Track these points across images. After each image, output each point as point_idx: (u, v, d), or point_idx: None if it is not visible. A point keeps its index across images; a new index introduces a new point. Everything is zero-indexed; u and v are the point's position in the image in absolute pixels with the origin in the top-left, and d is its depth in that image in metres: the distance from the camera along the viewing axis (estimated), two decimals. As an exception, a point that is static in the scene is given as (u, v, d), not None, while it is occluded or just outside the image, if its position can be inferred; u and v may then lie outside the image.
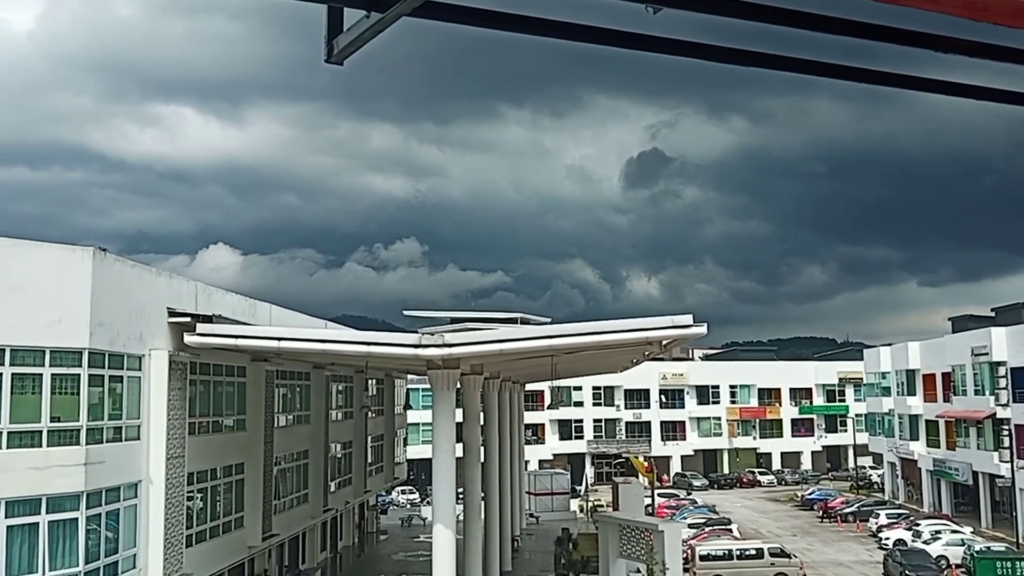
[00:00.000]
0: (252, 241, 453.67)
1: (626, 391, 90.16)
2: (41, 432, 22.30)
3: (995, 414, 55.97)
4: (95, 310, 23.04)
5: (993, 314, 66.14)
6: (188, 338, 26.14)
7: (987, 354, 56.89)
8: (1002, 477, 54.87)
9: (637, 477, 61.13)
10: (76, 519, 22.50)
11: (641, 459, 66.06)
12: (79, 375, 22.83)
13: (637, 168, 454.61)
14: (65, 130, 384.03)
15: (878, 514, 58.77)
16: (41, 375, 22.38)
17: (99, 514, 23.28)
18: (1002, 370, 55.94)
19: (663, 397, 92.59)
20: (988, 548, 46.14)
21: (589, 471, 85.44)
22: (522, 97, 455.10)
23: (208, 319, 26.93)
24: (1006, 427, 54.68)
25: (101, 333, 23.31)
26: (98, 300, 23.19)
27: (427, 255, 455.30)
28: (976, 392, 58.66)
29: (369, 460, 50.95)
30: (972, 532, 51.84)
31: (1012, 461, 53.03)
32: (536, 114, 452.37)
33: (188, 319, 26.45)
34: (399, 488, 70.83)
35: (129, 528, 24.62)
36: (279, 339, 26.97)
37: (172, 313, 26.56)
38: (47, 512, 22.08)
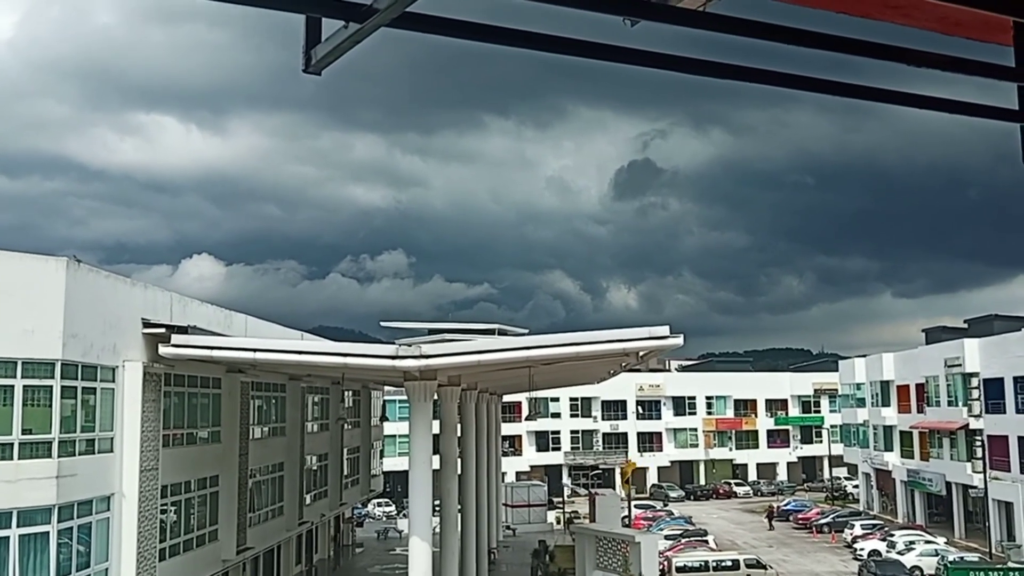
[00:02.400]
0: (234, 252, 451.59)
1: (603, 402, 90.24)
2: (12, 444, 22.03)
3: (968, 425, 56.47)
4: (68, 321, 22.82)
5: (966, 326, 66.77)
6: (163, 349, 25.93)
7: (960, 365, 57.42)
8: (975, 488, 55.34)
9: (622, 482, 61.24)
10: (47, 533, 22.22)
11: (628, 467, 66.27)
12: (52, 387, 22.59)
13: (624, 179, 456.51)
14: (44, 139, 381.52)
15: (853, 525, 59.08)
16: (13, 386, 22.13)
17: (71, 527, 23.02)
18: (975, 381, 56.48)
19: (640, 408, 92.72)
20: (961, 559, 46.48)
21: (567, 481, 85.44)
22: (508, 108, 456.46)
23: (183, 330, 26.73)
24: (979, 438, 55.18)
25: (74, 344, 23.09)
26: (72, 311, 22.97)
27: (413, 266, 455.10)
28: (949, 403, 59.17)
29: (345, 472, 50.67)
30: (946, 542, 52.23)
31: (985, 472, 53.51)
32: (520, 125, 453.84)
33: (163, 330, 26.24)
34: (375, 500, 70.47)
35: (101, 542, 24.35)
36: (254, 350, 26.79)
37: (147, 324, 26.36)
38: (18, 526, 21.80)
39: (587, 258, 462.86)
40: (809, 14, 3.77)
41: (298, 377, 39.80)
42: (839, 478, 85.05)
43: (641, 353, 28.71)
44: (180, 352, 26.11)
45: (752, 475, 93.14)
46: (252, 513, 35.31)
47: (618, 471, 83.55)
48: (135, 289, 26.98)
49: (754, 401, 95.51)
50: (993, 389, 54.91)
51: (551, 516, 66.64)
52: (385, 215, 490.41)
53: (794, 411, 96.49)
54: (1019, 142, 4.39)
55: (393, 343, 25.61)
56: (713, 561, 45.31)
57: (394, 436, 71.22)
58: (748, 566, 44.75)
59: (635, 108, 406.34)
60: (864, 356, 75.48)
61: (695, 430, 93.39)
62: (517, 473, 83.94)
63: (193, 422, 30.50)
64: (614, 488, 76.84)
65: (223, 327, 32.41)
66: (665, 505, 75.19)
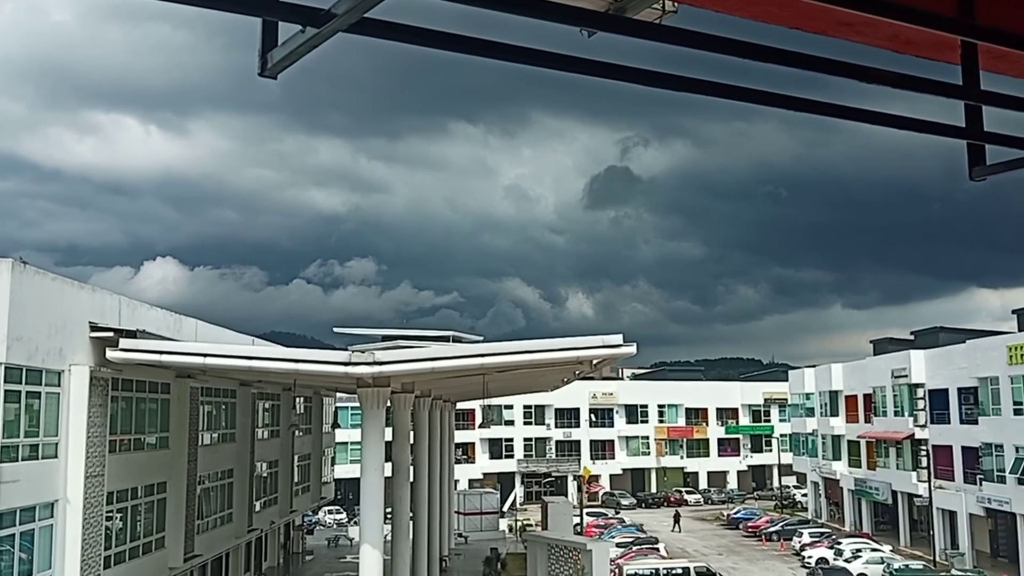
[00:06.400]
0: (194, 255, 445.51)
1: (556, 410, 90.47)
2: (-48, 450, 21.52)
3: (914, 435, 57.50)
4: (13, 324, 22.37)
5: (912, 337, 68.00)
6: (110, 353, 25.51)
7: (906, 376, 58.45)
8: (920, 496, 56.35)
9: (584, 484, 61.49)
10: (-12, 540, 21.74)
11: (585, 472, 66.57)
12: (-6, 391, 22.11)
13: (598, 187, 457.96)
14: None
15: (801, 533, 59.78)
16: (-46, 390, 21.63)
17: (13, 534, 22.53)
18: (920, 392, 57.55)
19: (593, 416, 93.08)
20: (907, 566, 47.29)
21: (519, 490, 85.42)
22: (477, 115, 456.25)
23: (132, 334, 26.34)
24: (924, 448, 56.22)
25: (19, 347, 22.63)
26: (16, 313, 22.52)
27: (383, 273, 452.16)
28: (896, 413, 60.20)
29: (296, 479, 50.19)
30: (891, 550, 53.05)
31: (929, 481, 54.49)
32: (488, 134, 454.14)
33: (111, 334, 25.83)
34: (326, 508, 69.89)
35: (44, 549, 23.86)
36: (204, 355, 26.46)
37: (94, 328, 25.91)
38: (-43, 533, 21.29)
39: (546, 267, 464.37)
40: (765, 29, 3.81)
41: (249, 383, 39.37)
42: (788, 487, 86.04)
43: (594, 361, 28.84)
44: (128, 356, 25.71)
45: (703, 483, 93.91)
46: (200, 520, 34.81)
47: (571, 479, 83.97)
48: (83, 292, 26.52)
49: (705, 410, 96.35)
50: (938, 400, 55.99)
51: (503, 524, 66.55)
52: (354, 221, 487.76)
53: (745, 420, 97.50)
54: (966, 158, 4.48)
55: (346, 349, 25.45)
56: (664, 569, 45.53)
57: (346, 443, 70.71)
58: (698, 574, 45.06)
59: (600, 119, 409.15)
60: (813, 366, 76.52)
61: (647, 438, 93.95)
62: (470, 481, 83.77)
63: (141, 427, 30.02)
64: (566, 496, 77.12)
65: (173, 331, 31.98)
66: (617, 513, 75.49)
